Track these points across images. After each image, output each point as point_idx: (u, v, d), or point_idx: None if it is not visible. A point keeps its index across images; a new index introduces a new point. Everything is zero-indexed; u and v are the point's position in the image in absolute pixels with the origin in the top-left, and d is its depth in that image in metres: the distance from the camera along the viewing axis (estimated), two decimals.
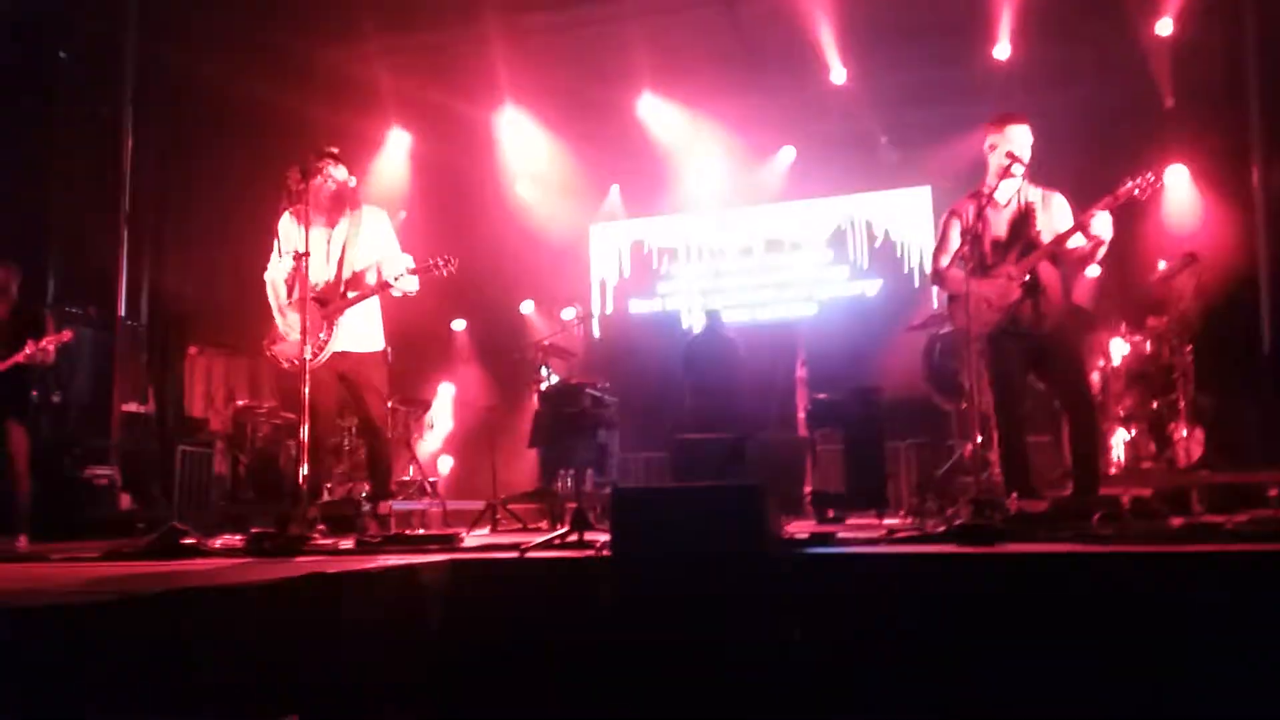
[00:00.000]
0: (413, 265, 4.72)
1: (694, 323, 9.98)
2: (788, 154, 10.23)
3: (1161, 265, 6.82)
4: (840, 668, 2.83)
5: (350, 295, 4.73)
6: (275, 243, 4.84)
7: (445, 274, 4.72)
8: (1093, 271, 6.90)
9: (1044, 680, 2.65)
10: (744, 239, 10.69)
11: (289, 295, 4.75)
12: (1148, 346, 6.63)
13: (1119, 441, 6.43)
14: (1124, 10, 7.95)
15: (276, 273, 4.83)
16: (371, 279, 4.76)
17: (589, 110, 9.80)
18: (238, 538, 4.33)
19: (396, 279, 4.67)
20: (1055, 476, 5.97)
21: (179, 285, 8.63)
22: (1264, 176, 7.12)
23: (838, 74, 9.12)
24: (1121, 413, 6.53)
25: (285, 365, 4.74)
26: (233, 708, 2.10)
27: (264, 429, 8.00)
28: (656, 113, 9.87)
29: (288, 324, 4.75)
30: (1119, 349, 6.69)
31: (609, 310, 10.93)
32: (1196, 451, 6.30)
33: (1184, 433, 6.31)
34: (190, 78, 8.40)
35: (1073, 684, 2.63)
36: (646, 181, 10.58)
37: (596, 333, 10.42)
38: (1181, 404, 6.34)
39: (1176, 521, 4.44)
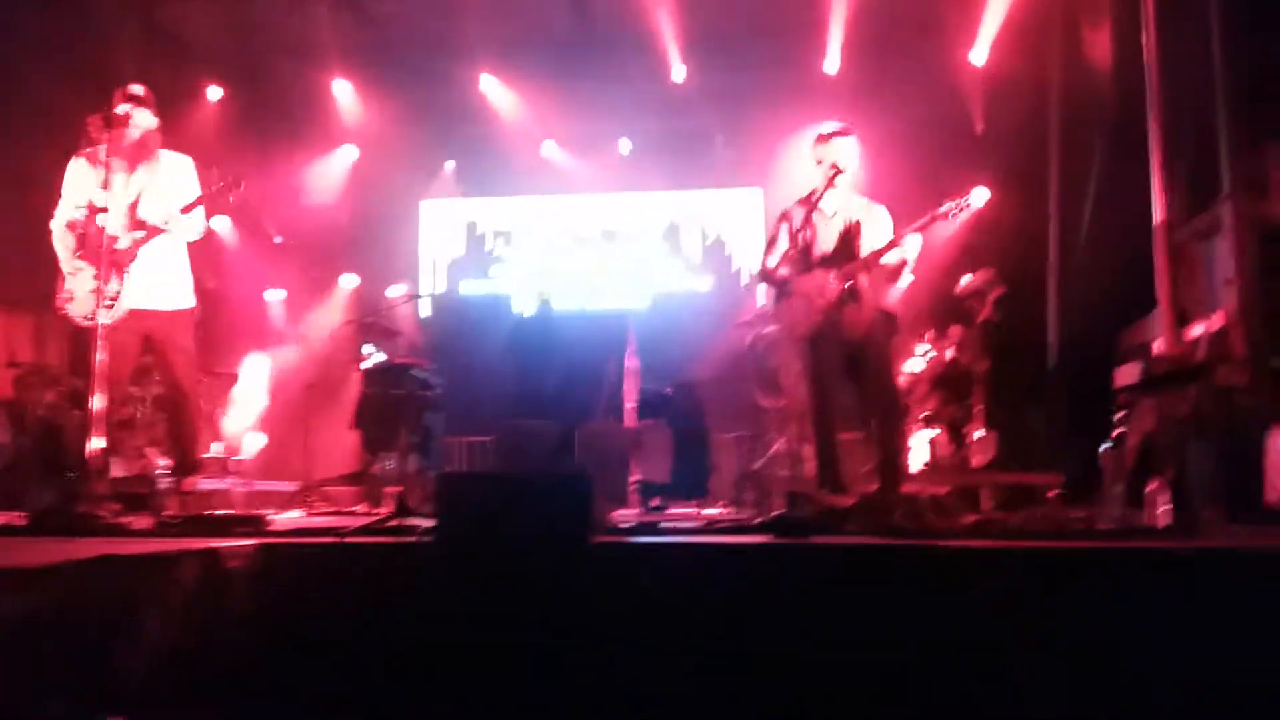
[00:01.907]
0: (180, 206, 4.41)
1: (525, 308, 9.89)
2: (625, 145, 10.29)
3: (966, 278, 7.31)
4: (658, 656, 2.86)
5: (136, 236, 4.37)
6: (64, 189, 4.44)
7: (231, 200, 4.45)
8: (905, 280, 7.30)
9: (850, 667, 2.78)
10: (580, 227, 10.68)
11: (78, 246, 4.36)
12: (950, 354, 7.10)
13: (922, 441, 6.84)
14: (944, 37, 8.44)
15: (64, 222, 4.43)
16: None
17: (425, 82, 9.51)
18: (18, 515, 3.95)
19: (167, 221, 4.36)
20: (864, 472, 6.30)
21: None
22: (1060, 205, 7.73)
23: (678, 71, 9.24)
24: (925, 414, 6.95)
25: (81, 322, 4.35)
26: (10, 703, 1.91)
27: (48, 395, 7.33)
28: (495, 91, 9.70)
29: (75, 279, 4.36)
30: (924, 355, 7.14)
31: (438, 290, 10.67)
32: (989, 453, 6.80)
33: (978, 435, 6.80)
34: None
35: (875, 671, 2.77)
36: (482, 160, 10.38)
37: (424, 312, 10.16)
38: (977, 409, 6.83)
39: (970, 518, 4.79)
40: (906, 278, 5.37)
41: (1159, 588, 2.70)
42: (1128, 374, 5.63)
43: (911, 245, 4.52)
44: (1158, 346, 6.10)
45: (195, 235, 4.56)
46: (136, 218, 4.39)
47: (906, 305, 7.54)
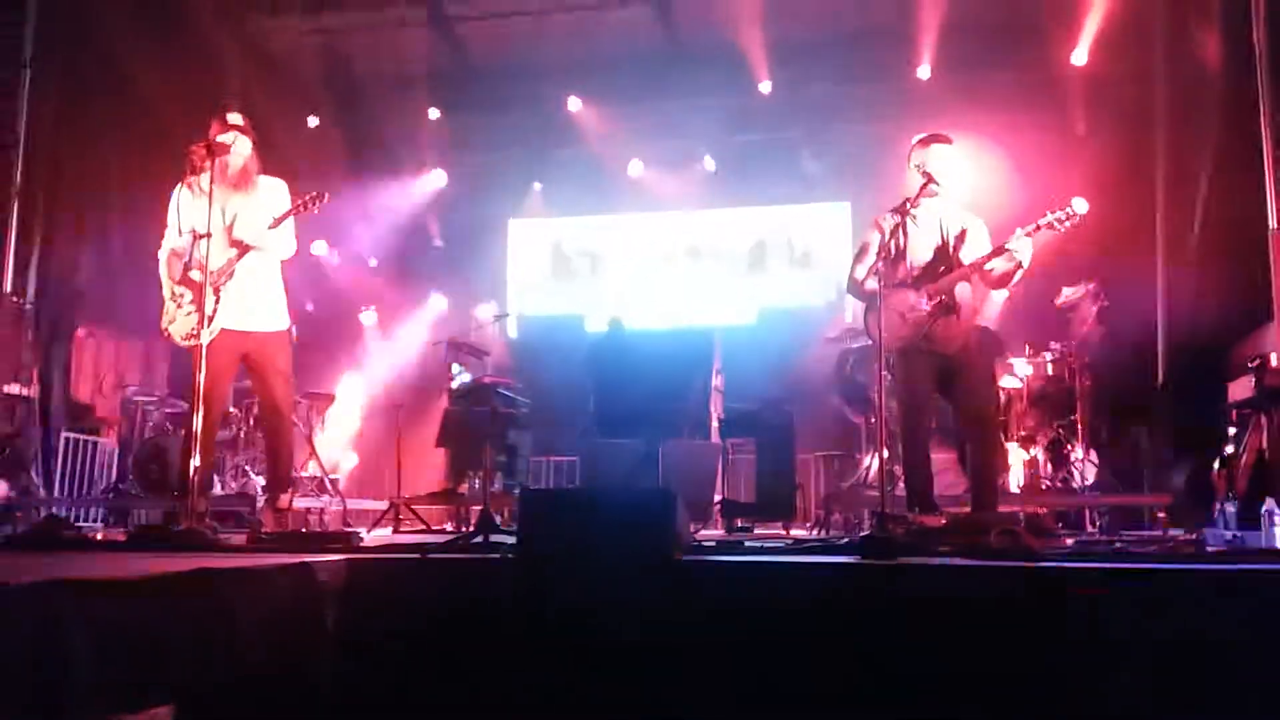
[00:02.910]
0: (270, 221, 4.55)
1: (599, 328, 9.93)
2: (710, 162, 10.28)
3: (1065, 291, 7.04)
4: (744, 673, 2.80)
5: (230, 255, 4.52)
6: (170, 217, 4.62)
7: (316, 211, 4.56)
8: (1000, 295, 7.08)
9: (940, 686, 2.67)
10: (665, 245, 10.69)
11: (183, 272, 4.54)
12: (1050, 369, 6.83)
13: (1018, 461, 6.59)
14: (1042, 38, 8.19)
15: (170, 248, 4.61)
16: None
17: (513, 104, 9.68)
18: (121, 531, 4.10)
19: (263, 242, 4.49)
20: (957, 494, 6.11)
21: (70, 263, 8.19)
22: (1166, 210, 7.40)
23: (764, 85, 9.19)
24: (1023, 432, 6.70)
25: (182, 343, 4.51)
26: (109, 702, 1.95)
27: (154, 417, 7.66)
28: (581, 111, 9.81)
29: (176, 301, 4.53)
30: (1022, 370, 6.88)
31: (524, 310, 10.79)
32: (1091, 473, 6.51)
33: (1080, 455, 6.52)
34: (87, 46, 8.00)
35: (968, 691, 2.66)
36: (569, 180, 10.49)
37: (512, 332, 10.28)
38: (1079, 427, 6.55)
39: (1069, 540, 4.58)
40: (1002, 292, 5.21)
41: (1273, 611, 2.52)
42: (1241, 388, 5.34)
43: (1024, 249, 4.32)
44: (1274, 360, 5.77)
45: (288, 252, 4.68)
46: (233, 238, 4.54)
47: (1004, 319, 7.33)
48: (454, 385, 7.44)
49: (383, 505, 6.82)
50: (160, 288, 4.69)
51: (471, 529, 3.91)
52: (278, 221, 4.53)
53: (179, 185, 4.59)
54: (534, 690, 2.85)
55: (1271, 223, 5.72)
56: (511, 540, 3.27)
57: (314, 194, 4.55)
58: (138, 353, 8.86)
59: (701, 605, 2.90)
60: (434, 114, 9.83)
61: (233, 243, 4.53)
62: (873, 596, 2.85)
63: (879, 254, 4.34)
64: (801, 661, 2.77)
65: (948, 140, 4.54)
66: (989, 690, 2.65)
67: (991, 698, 2.64)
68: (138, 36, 7.96)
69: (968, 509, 4.63)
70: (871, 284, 4.41)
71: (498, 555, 3.28)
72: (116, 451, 7.95)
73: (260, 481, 7.00)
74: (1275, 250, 5.74)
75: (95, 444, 8.03)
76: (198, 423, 4.04)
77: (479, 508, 5.56)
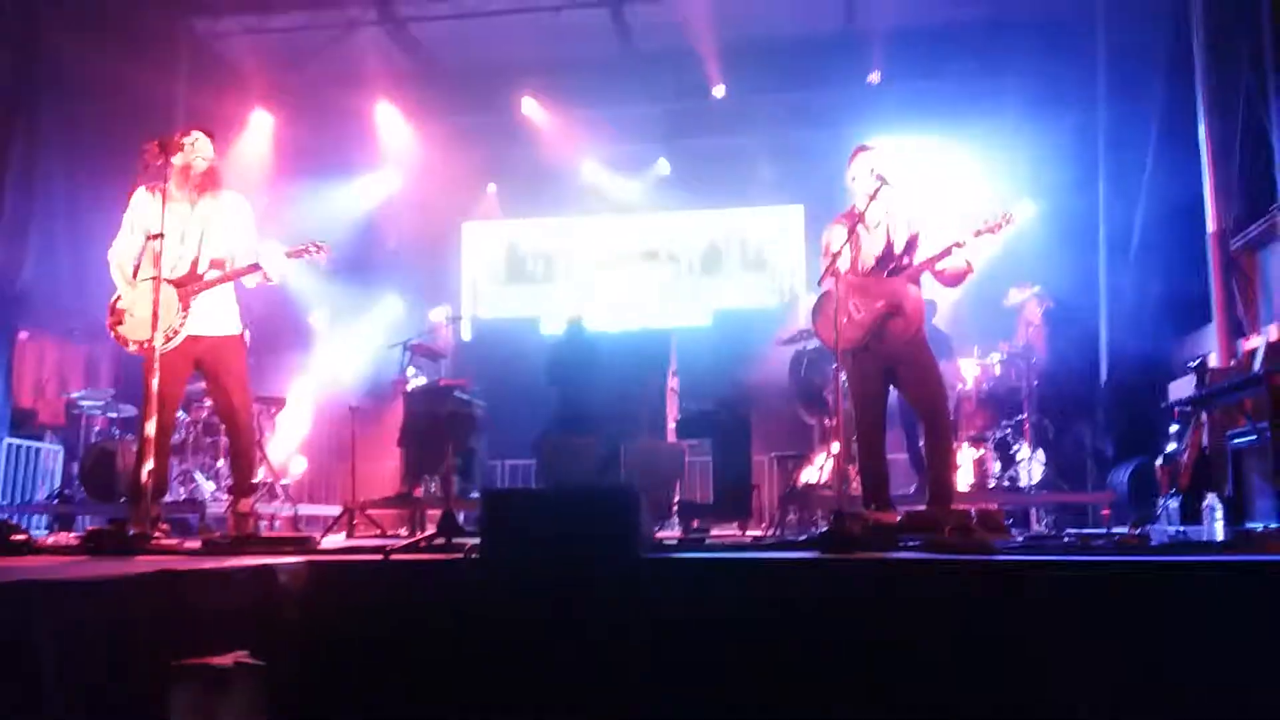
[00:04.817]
0: (284, 250, 4.56)
1: (556, 330, 9.93)
2: (664, 165, 10.33)
3: (1012, 292, 7.21)
4: (706, 670, 2.83)
5: (211, 276, 4.48)
6: (125, 217, 4.54)
7: (319, 260, 4.57)
8: (950, 296, 7.22)
9: (900, 676, 2.74)
10: (620, 247, 10.72)
11: (135, 274, 4.47)
12: (997, 370, 6.99)
13: (968, 460, 6.72)
14: (989, 47, 8.39)
15: (123, 249, 4.53)
16: (230, 266, 4.54)
17: (467, 105, 9.64)
18: (72, 536, 4.01)
19: (264, 265, 4.48)
20: (908, 492, 6.21)
21: (11, 265, 7.98)
22: (1108, 212, 7.61)
23: (717, 89, 9.27)
24: (972, 432, 6.84)
25: (132, 348, 4.43)
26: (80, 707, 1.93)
27: (99, 422, 7.49)
28: (536, 113, 9.80)
29: (134, 304, 4.45)
30: (971, 371, 7.03)
31: (479, 313, 10.74)
32: (1038, 472, 6.67)
33: (1027, 454, 6.68)
34: (31, 49, 7.82)
35: (926, 682, 2.72)
36: (524, 182, 10.49)
37: (466, 335, 10.23)
38: (1026, 426, 6.71)
39: (1018, 535, 4.70)
40: (954, 293, 5.32)
41: (1216, 602, 2.62)
42: (1182, 388, 5.51)
43: (972, 250, 4.43)
44: (1213, 360, 5.97)
45: (278, 279, 4.66)
46: (203, 256, 4.49)
47: (953, 321, 7.48)
48: (409, 388, 7.39)
49: (334, 510, 6.72)
50: (108, 289, 4.60)
51: (426, 533, 3.89)
52: (291, 255, 4.56)
53: (139, 186, 4.51)
54: (499, 691, 2.86)
55: (1210, 225, 5.91)
56: (474, 541, 3.26)
57: (315, 244, 4.59)
58: (81, 356, 8.65)
59: (667, 603, 2.93)
60: (387, 115, 9.75)
61: (216, 263, 4.49)
62: (834, 590, 2.91)
63: (833, 256, 4.42)
64: (766, 656, 2.81)
65: (891, 145, 4.66)
66: (951, 680, 2.71)
67: (953, 688, 2.71)
68: (84, 38, 7.81)
69: (920, 506, 4.72)
70: (827, 285, 4.49)
71: (461, 556, 3.28)
72: (61, 456, 7.77)
73: (210, 487, 6.90)
74: (1213, 253, 5.94)
75: (39, 449, 7.84)
76: (152, 428, 3.97)
77: (435, 512, 5.54)
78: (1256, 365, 4.92)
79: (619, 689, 2.81)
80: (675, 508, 6.09)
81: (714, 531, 5.84)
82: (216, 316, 4.56)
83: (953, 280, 4.57)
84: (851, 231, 4.53)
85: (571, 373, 6.71)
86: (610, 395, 6.22)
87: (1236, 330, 5.94)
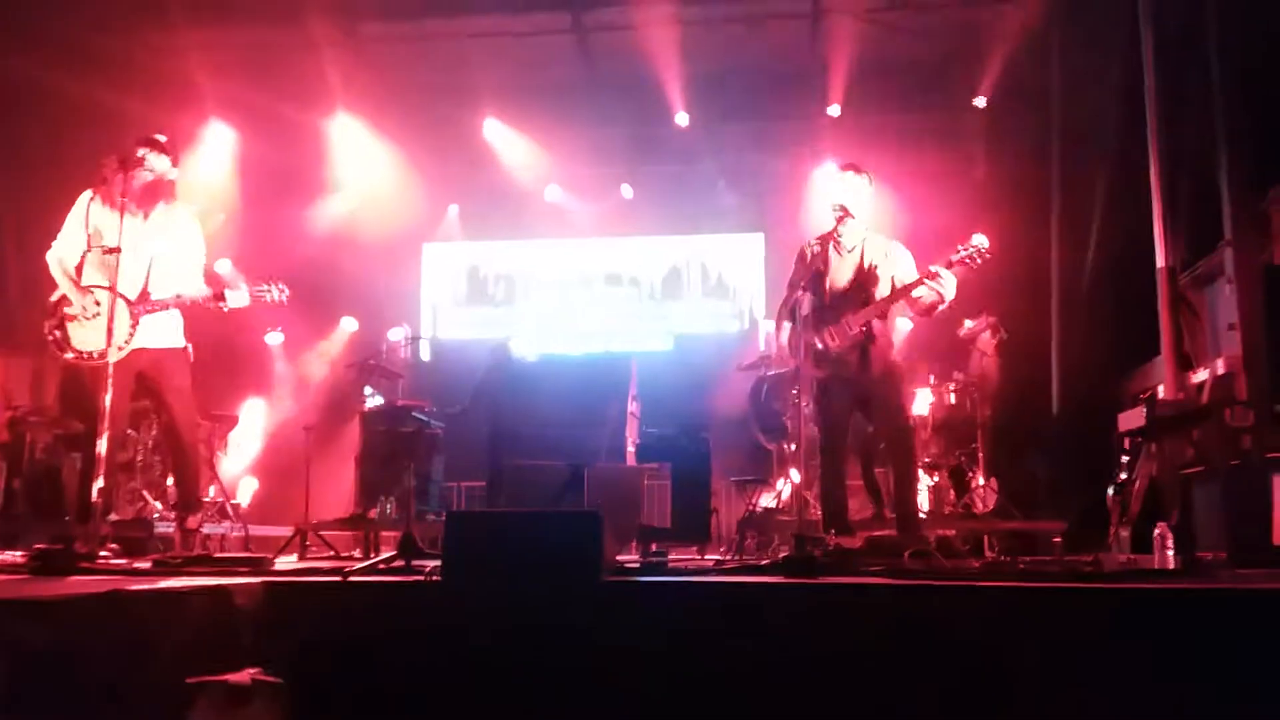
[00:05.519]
0: (246, 288, 4.55)
1: (526, 352, 9.87)
2: (627, 190, 10.38)
3: (968, 323, 7.32)
4: (668, 695, 2.82)
5: (165, 298, 4.40)
6: (70, 218, 4.44)
7: (281, 299, 4.53)
8: (906, 326, 7.31)
9: (864, 699, 2.74)
10: (582, 271, 10.72)
11: (80, 276, 4.37)
12: (952, 399, 7.08)
13: (923, 487, 6.79)
14: (946, 82, 8.57)
15: (65, 251, 4.42)
16: (180, 286, 4.47)
17: (429, 126, 9.61)
18: (17, 554, 3.89)
19: (223, 298, 4.43)
20: (865, 517, 6.26)
21: None
22: (1061, 248, 7.77)
23: (680, 116, 9.35)
24: (927, 460, 6.92)
25: (70, 356, 4.32)
26: None
27: (44, 438, 7.28)
28: (499, 135, 9.80)
29: (82, 309, 4.35)
30: (926, 400, 7.12)
31: (439, 334, 10.65)
32: (991, 499, 6.76)
33: (981, 481, 6.77)
34: None
35: (890, 704, 2.73)
36: (485, 204, 10.45)
37: (425, 356, 10.12)
38: (980, 455, 6.80)
39: (975, 562, 4.75)
40: (907, 324, 5.40)
41: (1166, 629, 2.67)
42: (1132, 419, 5.63)
43: (949, 283, 4.46)
44: (1161, 392, 6.11)
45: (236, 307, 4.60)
46: (154, 272, 4.42)
47: (908, 350, 7.57)
48: (366, 408, 7.30)
49: (286, 531, 6.59)
50: (48, 296, 4.49)
51: (384, 555, 3.83)
52: (254, 295, 4.55)
53: (87, 193, 4.42)
54: (460, 714, 2.81)
55: (1159, 261, 6.06)
56: (435, 563, 3.22)
57: (279, 286, 4.58)
58: (26, 371, 8.42)
59: (629, 626, 2.91)
60: (348, 134, 9.68)
61: (165, 278, 4.43)
62: (797, 613, 2.91)
63: (801, 283, 4.45)
64: (730, 679, 2.80)
65: (862, 170, 4.69)
66: (913, 703, 2.72)
67: (915, 711, 2.71)
68: (33, 50, 7.67)
69: (876, 531, 4.76)
70: (800, 310, 4.52)
71: (422, 578, 3.23)
72: (4, 474, 7.53)
73: (158, 506, 6.73)
74: (1161, 288, 6.08)
75: None
76: (104, 445, 3.88)
77: (390, 534, 5.46)
78: (1204, 397, 5.06)
79: (581, 713, 2.78)
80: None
81: (673, 555, 5.81)
82: (159, 329, 4.47)
83: (927, 310, 4.61)
84: (824, 253, 4.57)
85: (503, 399, 6.66)
86: (567, 421, 6.18)
87: (1185, 364, 6.08)
